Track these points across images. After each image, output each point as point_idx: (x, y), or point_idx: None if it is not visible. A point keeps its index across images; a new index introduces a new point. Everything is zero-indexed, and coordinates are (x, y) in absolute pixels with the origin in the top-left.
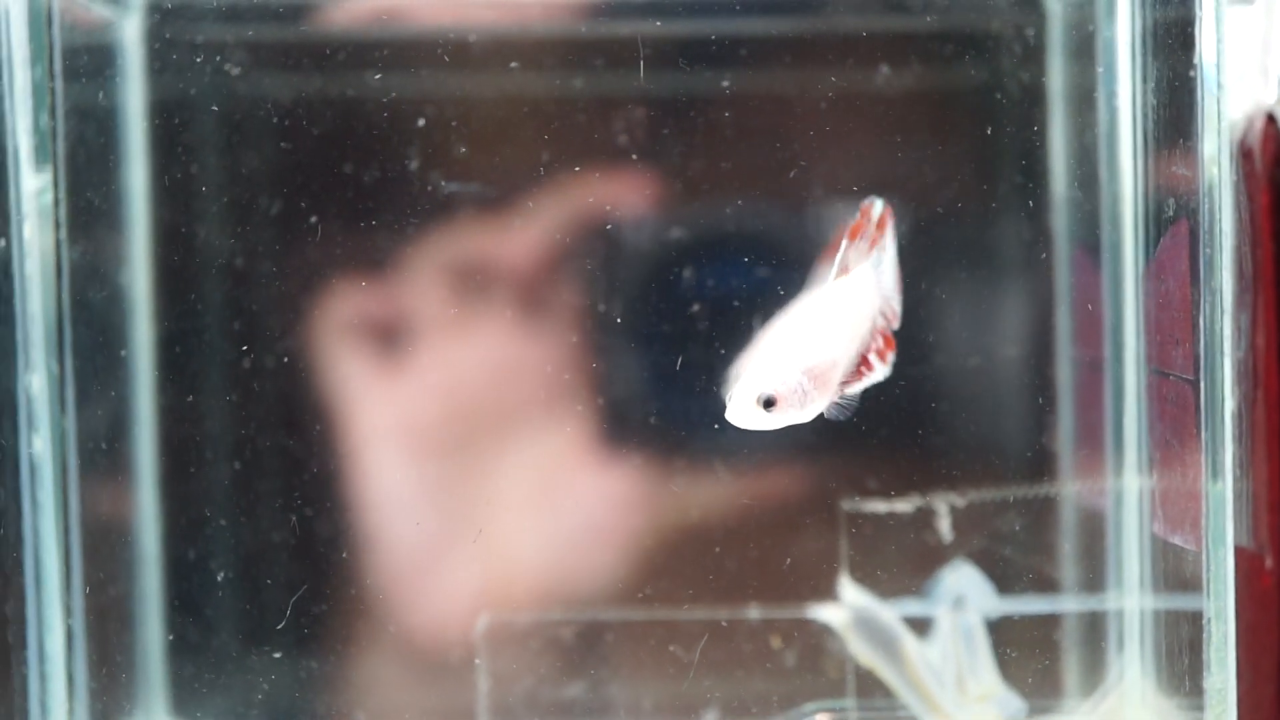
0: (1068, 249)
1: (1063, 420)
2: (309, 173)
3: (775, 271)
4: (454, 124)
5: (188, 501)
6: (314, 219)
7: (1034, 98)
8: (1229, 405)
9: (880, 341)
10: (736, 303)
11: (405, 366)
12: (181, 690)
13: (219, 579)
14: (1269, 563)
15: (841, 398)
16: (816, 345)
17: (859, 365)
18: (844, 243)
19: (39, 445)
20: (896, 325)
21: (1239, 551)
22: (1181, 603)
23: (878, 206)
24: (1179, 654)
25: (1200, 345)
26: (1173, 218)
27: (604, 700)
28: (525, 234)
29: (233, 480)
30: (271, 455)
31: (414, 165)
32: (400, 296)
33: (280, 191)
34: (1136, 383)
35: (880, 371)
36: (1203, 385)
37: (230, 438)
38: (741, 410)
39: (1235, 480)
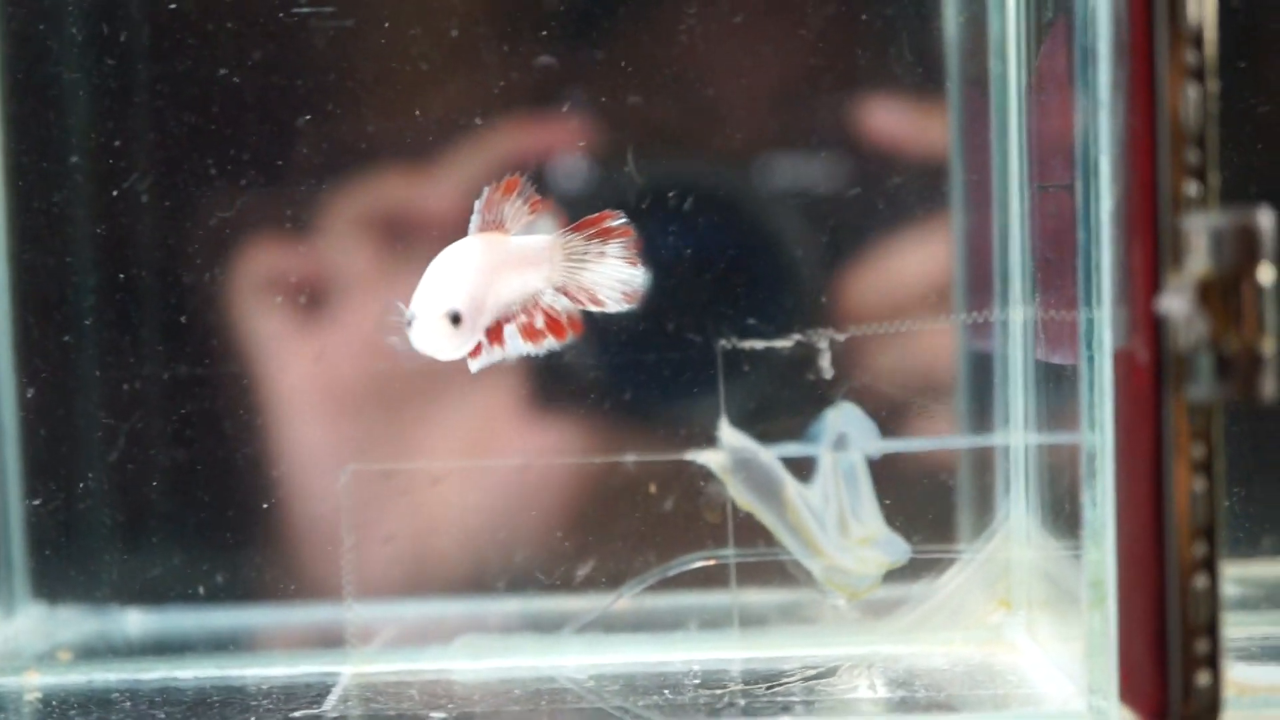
0: (960, 84)
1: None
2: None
3: (713, 222)
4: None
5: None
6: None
7: None
8: (1106, 205)
9: (537, 318)
10: (680, 256)
11: (325, 322)
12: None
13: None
14: (1143, 355)
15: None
16: (463, 284)
17: (525, 328)
18: (496, 196)
19: None
20: (596, 308)
21: (1116, 357)
22: (1064, 437)
23: (620, 219)
24: (1061, 488)
25: (1076, 145)
26: (1051, 19)
27: (475, 558)
28: (447, 185)
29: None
30: None
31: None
32: (321, 251)
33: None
34: (1019, 208)
35: (547, 344)
36: (1078, 186)
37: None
38: (427, 327)
39: (1114, 282)
